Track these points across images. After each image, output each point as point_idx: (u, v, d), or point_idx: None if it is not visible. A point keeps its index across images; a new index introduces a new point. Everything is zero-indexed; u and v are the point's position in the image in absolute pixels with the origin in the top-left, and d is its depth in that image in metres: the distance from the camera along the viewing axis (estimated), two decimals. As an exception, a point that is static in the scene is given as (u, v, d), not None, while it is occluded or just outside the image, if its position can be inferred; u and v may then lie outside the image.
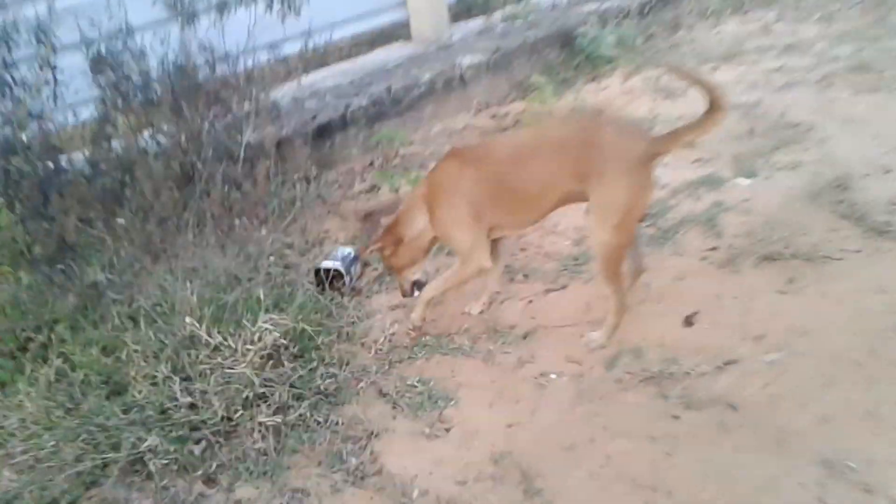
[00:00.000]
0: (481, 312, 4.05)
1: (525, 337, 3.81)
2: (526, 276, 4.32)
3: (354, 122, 5.97)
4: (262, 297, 3.79)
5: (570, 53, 7.13)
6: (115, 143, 3.53)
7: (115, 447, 3.25)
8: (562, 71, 7.04)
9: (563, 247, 4.51)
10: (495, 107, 6.73)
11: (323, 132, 5.76)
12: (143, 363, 3.60)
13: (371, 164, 5.95)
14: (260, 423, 3.33)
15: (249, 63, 4.47)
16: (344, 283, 4.31)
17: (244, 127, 3.97)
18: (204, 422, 3.35)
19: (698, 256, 4.20)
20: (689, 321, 3.72)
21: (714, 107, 3.04)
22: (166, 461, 3.11)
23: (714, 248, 4.24)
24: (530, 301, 4.09)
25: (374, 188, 5.58)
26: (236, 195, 3.92)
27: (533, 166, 3.44)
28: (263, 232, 4.52)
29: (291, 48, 5.45)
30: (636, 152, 3.21)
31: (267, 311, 3.75)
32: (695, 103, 3.30)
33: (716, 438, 2.97)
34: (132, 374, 3.57)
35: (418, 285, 3.94)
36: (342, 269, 4.28)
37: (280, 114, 4.28)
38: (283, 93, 5.73)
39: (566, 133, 3.43)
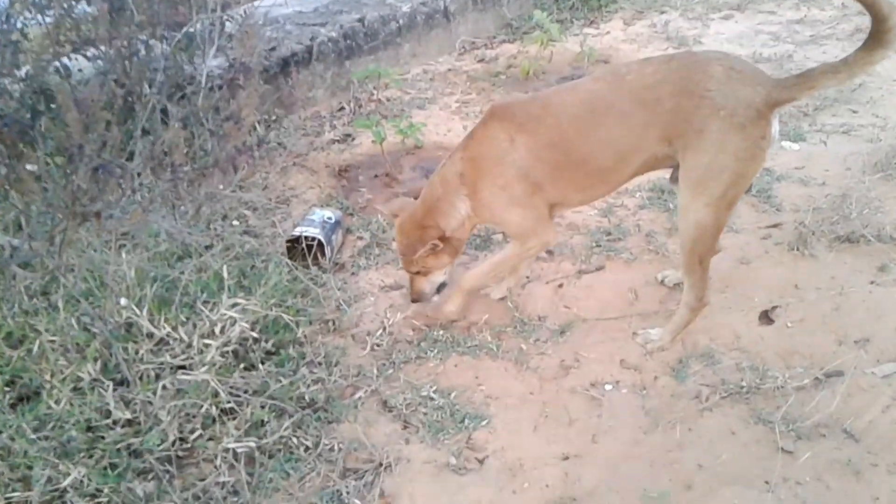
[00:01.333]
0: (503, 298, 3.23)
1: (562, 333, 3.02)
2: (550, 252, 3.51)
3: (321, 57, 4.99)
4: (224, 273, 2.84)
5: (565, -7, 6.29)
6: (24, 59, 2.52)
7: (24, 482, 2.37)
8: (556, 11, 6.18)
9: (588, 218, 3.73)
10: (482, 48, 5.84)
11: (284, 68, 4.77)
12: (61, 360, 2.67)
13: (341, 108, 5.01)
14: (226, 450, 2.46)
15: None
16: (325, 256, 3.41)
17: (206, 49, 2.99)
18: (149, 448, 2.43)
19: (758, 235, 3.49)
20: (767, 317, 3.00)
21: (876, 40, 2.25)
22: (96, 504, 2.23)
23: (776, 225, 3.53)
24: (560, 285, 3.30)
25: (347, 137, 4.65)
26: (197, 139, 2.95)
27: (607, 126, 2.61)
28: (220, 187, 3.56)
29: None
30: (753, 101, 2.40)
31: (229, 291, 2.82)
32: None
33: (848, 485, 2.25)
34: (47, 375, 2.62)
35: (442, 287, 3.10)
36: (323, 238, 3.38)
37: (251, 41, 3.28)
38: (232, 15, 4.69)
39: (654, 77, 2.54)
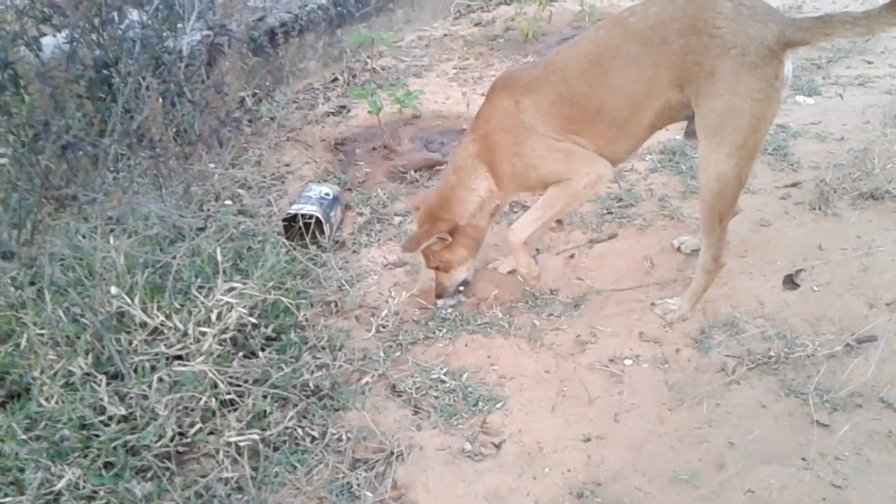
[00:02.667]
0: (512, 272, 3.08)
1: (577, 306, 2.87)
2: (559, 221, 3.35)
3: (312, 26, 4.79)
4: (218, 256, 2.68)
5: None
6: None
7: (17, 485, 2.23)
8: (553, -29, 5.94)
9: (597, 182, 3.55)
10: (478, 11, 5.62)
11: (272, 38, 4.56)
12: (51, 354, 2.52)
13: (335, 79, 4.83)
14: (228, 444, 2.32)
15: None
16: (323, 234, 3.25)
17: (187, 20, 2.79)
18: (146, 445, 2.30)
19: (777, 195, 3.33)
20: (792, 282, 2.85)
21: None
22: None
23: (795, 184, 3.37)
24: (571, 255, 3.15)
25: (343, 109, 4.47)
26: (177, 113, 2.76)
27: (615, 73, 2.47)
28: (212, 165, 3.38)
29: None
30: (765, 39, 2.24)
31: (225, 275, 2.67)
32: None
33: (891, 458, 2.11)
34: (36, 371, 2.48)
35: (464, 285, 2.97)
36: (321, 216, 3.22)
37: (232, 5, 3.08)
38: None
39: (659, 17, 2.40)
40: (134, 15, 2.71)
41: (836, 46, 4.38)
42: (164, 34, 2.69)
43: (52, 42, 2.86)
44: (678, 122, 2.56)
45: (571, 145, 2.60)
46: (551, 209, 2.72)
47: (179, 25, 3.10)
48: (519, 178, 2.71)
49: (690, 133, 2.53)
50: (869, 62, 4.31)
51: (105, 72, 2.52)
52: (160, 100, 2.32)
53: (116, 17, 2.53)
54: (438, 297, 2.93)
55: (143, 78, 2.39)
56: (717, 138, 2.36)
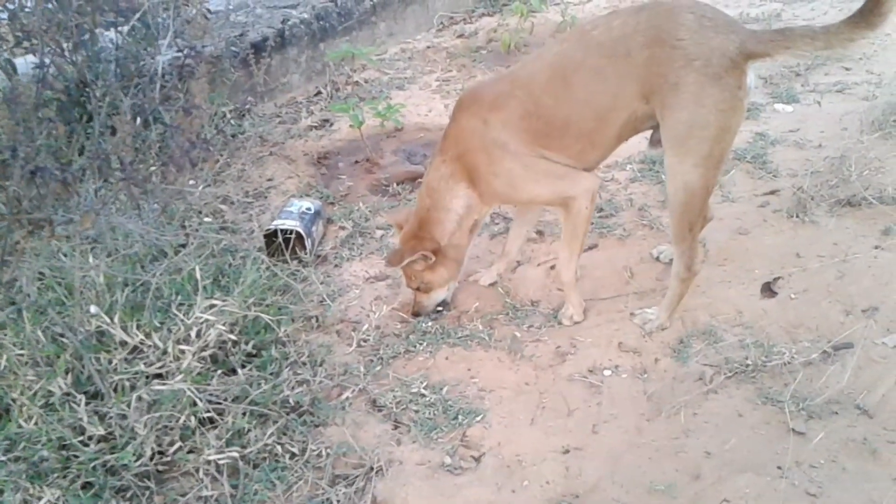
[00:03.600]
0: (493, 284, 3.09)
1: (557, 317, 2.87)
2: (539, 232, 3.38)
3: (294, 40, 4.81)
4: (197, 274, 2.68)
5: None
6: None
7: (-6, 508, 2.21)
8: (535, -19, 5.97)
9: (578, 193, 3.57)
10: (461, 23, 5.65)
11: (255, 53, 4.57)
12: (30, 375, 2.51)
13: (318, 92, 4.84)
14: (207, 462, 2.32)
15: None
16: (305, 249, 3.26)
17: (161, 37, 2.80)
18: (125, 464, 2.30)
19: (755, 203, 3.35)
20: (769, 290, 2.87)
21: (864, 18, 2.11)
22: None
23: (773, 192, 3.39)
24: (552, 266, 3.17)
25: (325, 123, 4.48)
26: (152, 133, 2.76)
27: (580, 85, 2.47)
28: (192, 182, 3.39)
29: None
30: (727, 50, 2.27)
31: (205, 292, 2.67)
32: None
33: (865, 465, 2.13)
34: (16, 392, 2.47)
35: (443, 305, 3.00)
36: (302, 231, 3.23)
37: (206, 25, 3.09)
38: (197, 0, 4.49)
39: (623, 30, 2.41)
40: (110, 34, 2.72)
41: (812, 54, 4.40)
42: (139, 54, 2.70)
43: (29, 61, 2.87)
44: (644, 131, 2.58)
45: (548, 164, 2.58)
46: (576, 240, 2.71)
47: (158, 42, 3.11)
48: (501, 195, 2.71)
49: (655, 142, 2.55)
50: (847, 69, 4.35)
51: (78, 94, 2.52)
52: (136, 120, 2.32)
53: (88, 40, 2.54)
54: (415, 315, 2.94)
55: (118, 100, 2.39)
56: (682, 149, 2.38)
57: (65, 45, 2.38)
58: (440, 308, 2.98)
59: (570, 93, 2.50)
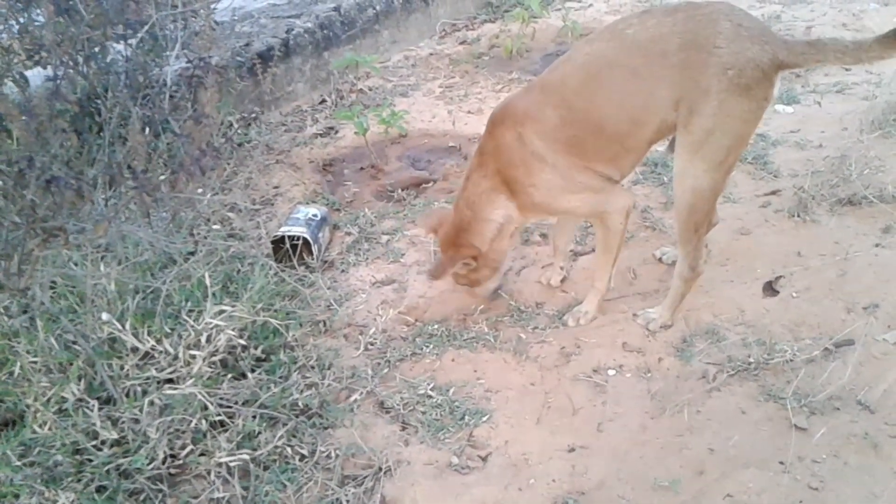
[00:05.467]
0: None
1: (561, 318, 2.91)
2: (544, 235, 3.41)
3: (298, 49, 4.86)
4: (207, 280, 2.73)
5: (543, -34, 6.13)
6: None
7: (10, 512, 2.25)
8: (536, -13, 6.03)
9: (581, 196, 3.61)
10: (463, 30, 5.71)
11: (260, 62, 4.62)
12: (44, 381, 2.56)
13: (322, 101, 4.89)
14: (219, 464, 2.36)
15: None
16: (312, 254, 3.30)
17: (169, 48, 2.85)
18: (138, 468, 2.34)
19: (757, 203, 3.39)
20: (771, 288, 2.90)
21: None
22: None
23: (775, 192, 3.42)
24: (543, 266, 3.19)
25: (330, 131, 4.53)
26: (162, 143, 2.82)
27: (613, 86, 2.47)
28: (200, 191, 3.44)
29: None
30: (761, 62, 2.29)
31: (215, 298, 2.72)
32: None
33: (867, 459, 2.15)
34: (30, 398, 2.52)
35: (498, 289, 3.07)
36: (309, 237, 3.27)
37: (214, 36, 3.14)
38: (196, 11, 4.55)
39: (659, 30, 2.40)
40: (119, 47, 2.77)
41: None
42: (148, 65, 2.75)
43: (39, 73, 2.93)
44: (669, 135, 2.59)
45: (586, 177, 2.58)
46: (610, 253, 2.76)
47: (167, 54, 3.16)
48: (540, 207, 2.70)
49: (674, 146, 2.55)
50: (847, 69, 4.38)
51: (89, 105, 2.58)
52: (146, 130, 2.37)
53: (99, 53, 2.59)
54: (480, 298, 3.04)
55: (128, 110, 2.44)
56: (698, 154, 2.40)
57: (77, 58, 2.44)
58: (497, 292, 3.04)
59: (604, 93, 2.49)
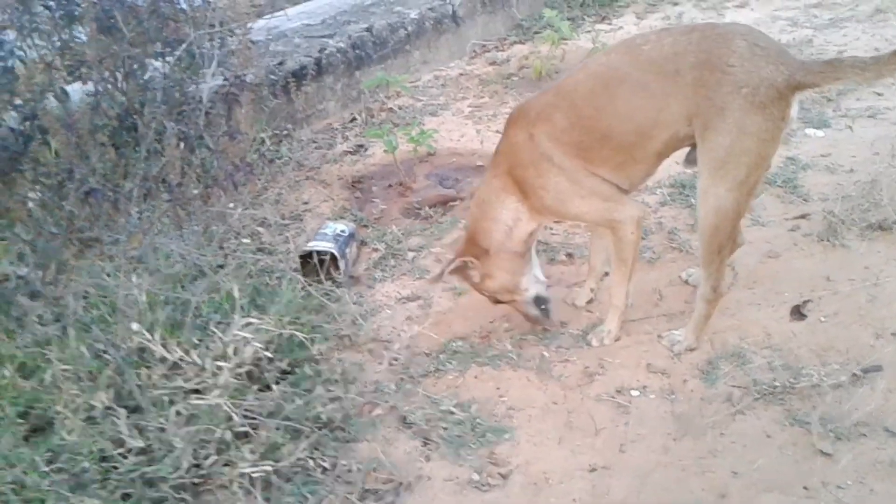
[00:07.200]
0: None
1: (585, 337, 2.91)
2: (570, 254, 3.43)
3: (330, 68, 4.95)
4: (235, 293, 2.78)
5: (575, -12, 6.19)
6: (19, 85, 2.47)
7: (37, 516, 2.28)
8: (566, 9, 6.09)
9: (608, 217, 3.61)
10: (493, 50, 5.76)
11: (293, 81, 4.71)
12: (73, 389, 2.61)
13: (353, 119, 4.95)
14: (241, 475, 2.39)
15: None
16: (339, 270, 3.34)
17: (206, 66, 2.93)
18: (163, 476, 2.37)
19: (786, 226, 3.36)
20: (799, 312, 2.87)
21: None
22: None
23: (804, 216, 3.40)
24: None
25: (360, 148, 4.58)
26: (196, 158, 2.89)
27: (623, 98, 2.50)
28: (231, 205, 3.50)
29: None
30: (776, 81, 2.30)
31: (242, 311, 2.76)
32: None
33: (893, 487, 2.12)
34: (59, 405, 2.56)
35: (543, 302, 2.93)
36: (336, 252, 3.31)
37: (249, 55, 3.22)
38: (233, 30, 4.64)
39: (674, 48, 2.44)
40: (157, 64, 2.85)
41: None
42: (185, 83, 2.83)
43: (79, 88, 3.02)
44: (682, 149, 2.60)
45: (595, 183, 2.60)
46: (624, 265, 2.75)
47: (203, 71, 3.24)
48: (549, 209, 2.72)
49: (691, 161, 2.57)
50: (879, 94, 4.34)
51: (128, 120, 2.66)
52: (180, 145, 2.44)
53: (138, 70, 2.68)
54: (536, 323, 2.95)
55: (164, 126, 2.52)
56: (719, 173, 2.41)
57: (117, 75, 2.52)
58: (544, 306, 2.93)
59: (611, 104, 2.52)
